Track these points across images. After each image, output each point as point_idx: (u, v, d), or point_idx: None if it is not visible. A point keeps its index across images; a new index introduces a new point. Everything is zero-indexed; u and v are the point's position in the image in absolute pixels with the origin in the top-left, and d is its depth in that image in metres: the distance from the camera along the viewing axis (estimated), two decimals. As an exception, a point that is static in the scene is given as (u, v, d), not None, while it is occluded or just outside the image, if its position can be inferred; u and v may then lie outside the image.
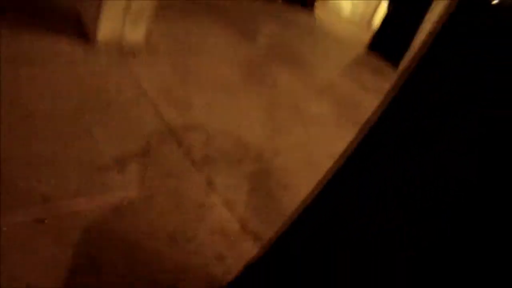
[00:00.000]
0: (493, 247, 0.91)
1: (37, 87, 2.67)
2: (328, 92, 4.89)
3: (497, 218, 0.91)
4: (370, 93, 5.43)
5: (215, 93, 3.55)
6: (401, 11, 9.35)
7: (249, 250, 2.00)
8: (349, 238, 1.27)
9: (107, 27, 3.54)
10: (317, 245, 1.35)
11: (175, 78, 3.51)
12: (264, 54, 5.26)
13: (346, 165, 1.26)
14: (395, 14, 9.47)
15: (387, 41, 9.22)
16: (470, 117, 0.99)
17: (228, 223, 2.26)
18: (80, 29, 3.72)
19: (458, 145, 1.01)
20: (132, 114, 2.73)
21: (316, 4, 12.56)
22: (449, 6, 1.00)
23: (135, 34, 3.74)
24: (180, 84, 3.44)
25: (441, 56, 1.04)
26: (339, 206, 1.32)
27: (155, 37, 4.17)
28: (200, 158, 2.58)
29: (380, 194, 1.19)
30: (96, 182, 2.07)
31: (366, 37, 9.49)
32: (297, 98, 4.29)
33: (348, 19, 13.35)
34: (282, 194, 2.77)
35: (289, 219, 1.41)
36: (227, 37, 5.31)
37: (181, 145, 2.62)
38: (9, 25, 3.41)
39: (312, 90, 4.69)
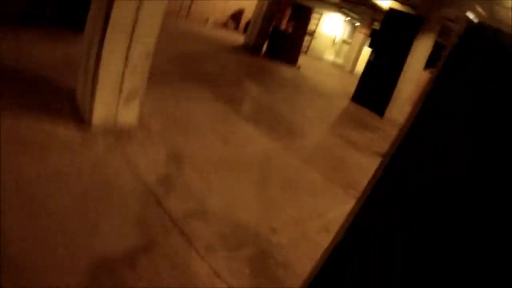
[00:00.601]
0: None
1: (39, 177, 2.71)
2: (317, 156, 5.07)
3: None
4: (358, 151, 5.66)
5: (209, 174, 3.63)
6: (383, 60, 9.70)
7: None
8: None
9: (101, 110, 3.65)
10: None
11: (170, 160, 3.60)
12: (252, 123, 5.45)
13: (345, 242, 1.35)
14: (377, 63, 9.83)
15: (370, 92, 9.56)
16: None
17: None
18: (76, 112, 3.82)
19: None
20: (134, 204, 2.77)
21: (299, 58, 13.15)
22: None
23: (129, 115, 3.87)
24: (175, 167, 3.52)
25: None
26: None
27: (147, 115, 4.30)
28: (202, 247, 2.62)
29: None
30: (107, 280, 2.07)
31: (350, 88, 9.87)
32: (287, 169, 4.42)
33: (331, 69, 13.94)
34: (283, 274, 2.81)
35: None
36: (216, 107, 5.52)
37: (183, 234, 2.65)
38: (9, 107, 3.50)
39: (300, 157, 4.85)
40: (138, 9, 3.31)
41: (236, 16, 18.89)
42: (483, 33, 1.17)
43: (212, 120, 5.03)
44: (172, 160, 3.63)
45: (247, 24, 15.46)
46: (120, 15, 3.26)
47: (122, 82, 3.59)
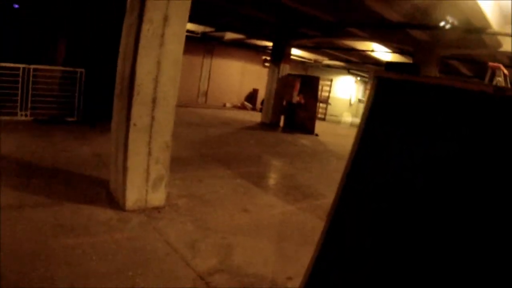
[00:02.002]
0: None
1: (84, 252, 3.35)
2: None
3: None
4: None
5: (230, 238, 4.16)
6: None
7: None
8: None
9: (133, 195, 4.35)
10: None
11: (196, 230, 4.18)
12: (271, 192, 6.03)
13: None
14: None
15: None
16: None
17: None
18: (111, 198, 4.54)
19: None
20: (166, 268, 3.34)
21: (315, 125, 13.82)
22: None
23: (157, 197, 4.54)
24: (201, 234, 4.09)
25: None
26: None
27: (174, 195, 4.99)
28: (225, 294, 3.12)
29: None
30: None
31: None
32: (303, 227, 4.88)
33: (349, 131, 14.43)
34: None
35: None
36: (236, 182, 6.17)
37: (208, 285, 3.17)
38: (52, 198, 4.32)
39: (316, 215, 5.30)
40: (153, 110, 4.12)
41: (251, 97, 20.18)
42: (390, 83, 1.87)
43: (233, 194, 5.64)
44: (198, 229, 4.21)
45: (262, 103, 16.55)
46: (139, 117, 4.08)
47: (148, 171, 4.32)
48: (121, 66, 4.43)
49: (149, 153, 4.28)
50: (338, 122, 21.21)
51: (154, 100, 4.13)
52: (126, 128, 4.12)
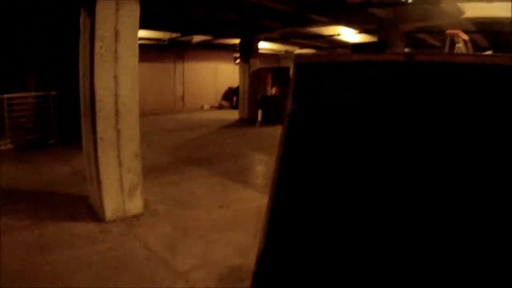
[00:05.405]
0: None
1: (68, 262, 3.56)
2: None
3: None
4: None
5: (209, 234, 4.32)
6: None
7: None
8: None
9: (110, 205, 4.52)
10: None
11: (174, 231, 4.36)
12: (249, 187, 6.22)
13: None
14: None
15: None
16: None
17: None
18: (91, 211, 4.72)
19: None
20: (147, 271, 3.52)
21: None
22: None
23: (134, 204, 4.71)
24: (180, 235, 4.27)
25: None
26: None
27: (152, 201, 5.16)
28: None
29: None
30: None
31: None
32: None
33: None
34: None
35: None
36: (214, 181, 6.36)
37: (188, 282, 3.36)
38: (34, 218, 4.55)
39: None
40: (117, 123, 4.29)
41: (228, 94, 20.31)
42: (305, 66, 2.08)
43: (211, 193, 5.81)
44: (176, 231, 4.38)
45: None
46: (105, 132, 4.25)
47: (121, 181, 4.49)
48: (82, 86, 4.58)
49: (120, 164, 4.44)
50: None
51: (116, 113, 4.28)
52: (94, 143, 4.28)
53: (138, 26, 4.35)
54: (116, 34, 4.14)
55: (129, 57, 4.29)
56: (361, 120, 1.91)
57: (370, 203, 1.82)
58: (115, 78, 4.21)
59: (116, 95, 4.25)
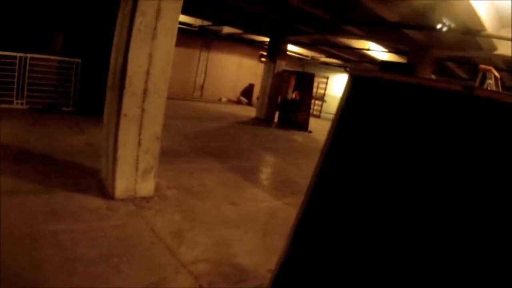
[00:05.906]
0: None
1: (73, 237, 3.45)
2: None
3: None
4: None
5: (216, 229, 4.24)
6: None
7: None
8: None
9: (122, 184, 4.43)
10: None
11: (183, 220, 4.27)
12: (260, 187, 6.12)
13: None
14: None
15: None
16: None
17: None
18: (101, 187, 4.63)
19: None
20: (151, 256, 3.43)
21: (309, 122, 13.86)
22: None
23: (146, 187, 4.62)
24: (188, 225, 4.18)
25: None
26: None
27: (164, 186, 5.08)
28: (206, 283, 3.20)
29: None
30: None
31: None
32: (289, 221, 4.95)
33: None
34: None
35: None
36: (227, 176, 6.26)
37: (191, 274, 3.27)
38: (43, 185, 4.41)
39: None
40: (143, 102, 4.20)
41: (247, 91, 20.23)
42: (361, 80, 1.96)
43: (222, 187, 5.72)
44: (184, 220, 4.29)
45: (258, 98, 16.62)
46: (130, 108, 4.15)
47: (137, 161, 4.40)
48: (114, 58, 4.50)
49: (139, 144, 4.35)
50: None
51: (145, 92, 4.20)
52: (117, 119, 4.20)
53: (180, 9, 4.26)
54: (158, 12, 4.05)
55: (167, 37, 4.20)
56: (411, 145, 1.80)
57: (410, 231, 1.71)
58: (150, 56, 4.12)
59: (148, 73, 4.16)
